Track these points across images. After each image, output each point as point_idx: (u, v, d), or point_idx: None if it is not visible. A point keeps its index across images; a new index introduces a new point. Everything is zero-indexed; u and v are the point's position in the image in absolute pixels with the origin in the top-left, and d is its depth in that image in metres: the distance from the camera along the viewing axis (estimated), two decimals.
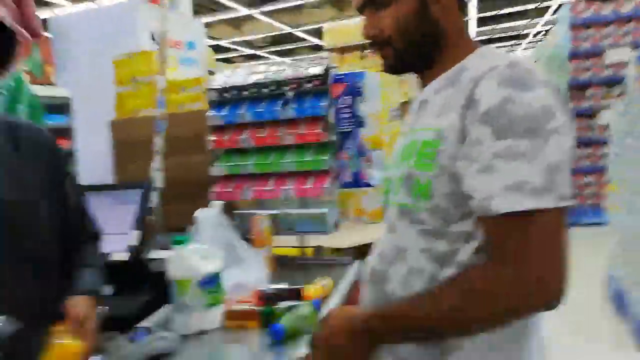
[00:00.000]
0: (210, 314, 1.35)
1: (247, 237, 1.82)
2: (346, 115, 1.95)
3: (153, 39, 3.08)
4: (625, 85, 3.55)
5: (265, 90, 2.02)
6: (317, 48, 17.39)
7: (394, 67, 0.89)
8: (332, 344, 0.82)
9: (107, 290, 1.71)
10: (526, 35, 18.40)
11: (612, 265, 3.74)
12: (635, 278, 3.22)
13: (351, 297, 1.60)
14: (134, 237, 1.68)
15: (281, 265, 1.84)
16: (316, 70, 1.97)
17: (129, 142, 2.40)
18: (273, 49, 17.37)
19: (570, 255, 0.72)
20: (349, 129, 1.95)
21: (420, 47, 0.85)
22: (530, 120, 0.70)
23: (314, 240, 2.03)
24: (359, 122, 1.95)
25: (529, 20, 14.46)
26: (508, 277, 0.70)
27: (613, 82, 5.51)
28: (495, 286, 0.71)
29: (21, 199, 1.01)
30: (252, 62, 19.54)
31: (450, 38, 0.85)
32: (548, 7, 12.96)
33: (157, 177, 2.01)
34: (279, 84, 2.00)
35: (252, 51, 16.95)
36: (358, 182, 1.96)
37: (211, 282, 1.36)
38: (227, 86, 2.07)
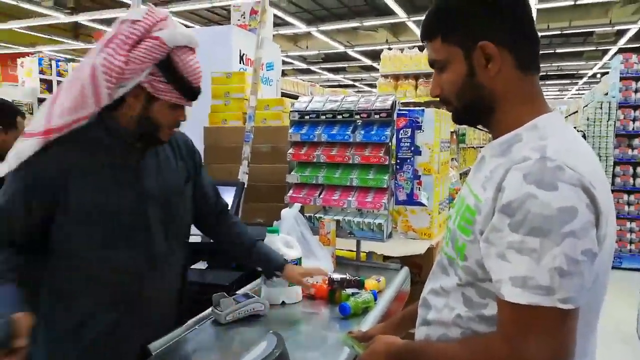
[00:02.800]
0: (292, 290, 1.73)
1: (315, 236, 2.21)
2: (405, 144, 2.31)
3: (242, 60, 3.55)
4: None
5: (339, 116, 2.42)
6: (368, 68, 17.87)
7: (455, 121, 1.01)
8: None
9: (202, 264, 2.15)
10: (581, 76, 18.25)
11: None
12: None
13: (391, 308, 1.92)
14: None
15: (341, 263, 2.21)
16: (384, 104, 2.36)
17: (217, 146, 2.85)
18: (325, 65, 17.94)
19: (572, 345, 0.76)
20: (407, 156, 2.31)
21: (474, 108, 0.93)
22: (546, 221, 0.73)
23: (369, 246, 2.39)
24: (415, 150, 2.31)
25: (584, 62, 14.39)
26: (499, 351, 0.79)
27: None
28: (486, 356, 0.81)
29: (178, 183, 1.43)
30: (305, 77, 20.15)
31: (502, 101, 0.89)
32: (607, 50, 12.92)
33: (244, 179, 2.43)
34: (351, 112, 2.40)
35: (305, 66, 17.55)
36: (410, 201, 2.32)
37: (294, 265, 1.75)
38: (308, 109, 2.49)
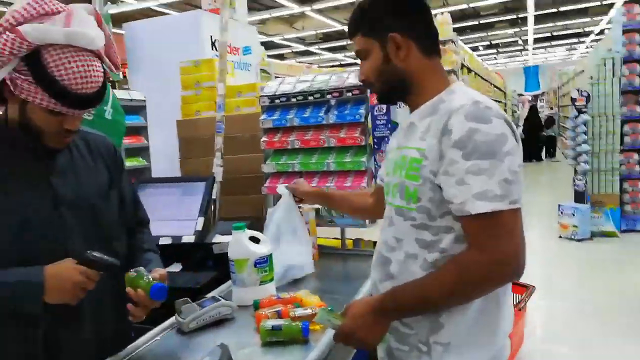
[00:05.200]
0: (263, 289, 1.61)
1: None
2: (382, 121, 2.17)
3: (214, 46, 3.40)
4: None
5: (310, 98, 2.28)
6: None
7: (380, 100, 1.22)
8: (356, 326, 1.06)
9: (176, 267, 2.05)
10: (588, 34, 17.68)
11: None
12: None
13: None
14: (199, 223, 1.98)
15: (325, 253, 2.09)
16: (356, 80, 2.20)
17: (192, 139, 2.72)
18: (325, 45, 17.61)
19: (523, 240, 0.96)
20: (384, 134, 2.16)
21: (392, 87, 1.14)
22: (490, 146, 0.95)
23: (353, 233, 2.26)
24: (392, 127, 2.17)
25: (590, 18, 13.89)
26: (482, 261, 0.96)
27: None
28: (473, 269, 0.96)
29: (101, 190, 1.28)
30: (304, 59, 19.85)
31: (417, 78, 1.11)
32: (612, 4, 12.41)
33: (218, 172, 2.31)
34: (323, 92, 2.25)
35: (304, 47, 17.26)
36: None
37: (264, 263, 1.63)
38: (278, 93, 2.34)
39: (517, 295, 3.02)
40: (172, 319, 1.52)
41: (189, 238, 1.97)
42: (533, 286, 3.02)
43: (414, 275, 1.05)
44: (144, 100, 3.23)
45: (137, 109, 3.23)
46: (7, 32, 1.01)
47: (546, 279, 4.32)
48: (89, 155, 1.29)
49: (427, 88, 1.11)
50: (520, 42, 17.84)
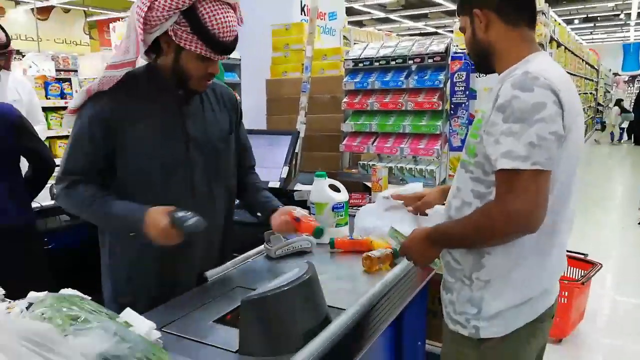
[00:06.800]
0: (337, 230, 1.83)
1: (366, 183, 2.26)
2: (460, 88, 2.26)
3: (303, 11, 3.57)
4: None
5: (392, 63, 2.41)
6: (452, 13, 16.77)
7: (477, 70, 1.42)
8: (412, 246, 1.33)
9: None
10: None
11: None
12: None
13: None
14: (284, 172, 2.22)
15: None
16: (438, 47, 2.30)
17: (278, 98, 2.96)
18: (405, 13, 17.14)
19: (543, 202, 1.07)
20: (462, 100, 2.26)
21: (481, 58, 1.28)
22: (523, 112, 1.06)
23: None
24: (470, 95, 2.25)
25: None
26: (496, 211, 1.10)
27: None
28: (489, 216, 1.12)
29: (222, 134, 1.52)
30: (383, 26, 19.43)
31: (499, 48, 1.23)
32: None
33: (302, 128, 2.53)
34: (405, 58, 2.37)
35: (384, 14, 16.91)
36: None
37: (340, 208, 1.84)
38: (361, 57, 2.49)
39: (582, 270, 3.03)
40: (260, 247, 1.78)
41: (274, 184, 2.22)
42: (600, 264, 3.01)
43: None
44: (239, 59, 3.51)
45: (233, 66, 3.52)
46: None
47: (616, 267, 4.19)
48: (216, 103, 1.52)
49: (508, 57, 1.21)
50: (622, 16, 16.30)
